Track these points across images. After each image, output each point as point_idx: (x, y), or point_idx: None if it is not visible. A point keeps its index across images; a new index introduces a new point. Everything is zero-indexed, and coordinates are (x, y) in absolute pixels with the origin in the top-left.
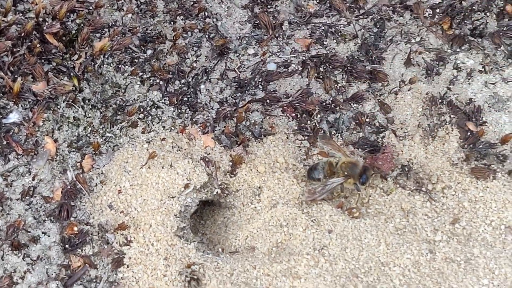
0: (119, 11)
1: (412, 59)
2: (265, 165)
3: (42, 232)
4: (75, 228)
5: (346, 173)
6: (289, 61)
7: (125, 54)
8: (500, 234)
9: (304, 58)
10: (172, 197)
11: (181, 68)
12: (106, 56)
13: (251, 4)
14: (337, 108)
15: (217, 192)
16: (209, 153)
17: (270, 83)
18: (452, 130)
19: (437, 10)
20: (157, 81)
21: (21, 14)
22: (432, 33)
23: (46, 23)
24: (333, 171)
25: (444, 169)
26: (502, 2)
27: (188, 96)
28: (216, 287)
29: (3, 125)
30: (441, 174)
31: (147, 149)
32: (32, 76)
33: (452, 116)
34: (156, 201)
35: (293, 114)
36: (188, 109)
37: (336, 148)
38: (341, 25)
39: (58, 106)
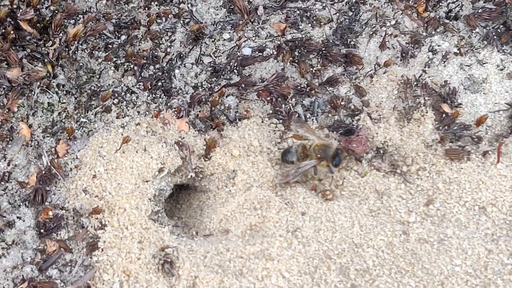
0: None
1: (387, 42)
2: (240, 149)
3: (17, 217)
4: (50, 213)
5: (319, 155)
6: (264, 45)
7: (99, 40)
8: (474, 215)
9: (279, 42)
10: (146, 181)
11: (156, 53)
12: (80, 42)
13: None
14: (312, 91)
15: (191, 176)
16: (183, 137)
17: (245, 68)
18: (427, 112)
19: None
20: (131, 66)
21: None
22: (407, 16)
23: (20, 10)
24: (307, 153)
25: (419, 151)
26: None
27: (163, 81)
28: (190, 269)
29: None
30: (416, 156)
31: (122, 134)
32: (6, 62)
33: (427, 98)
34: (130, 185)
35: (268, 98)
36: (163, 94)
37: (310, 131)
38: (316, 9)
39: (33, 92)
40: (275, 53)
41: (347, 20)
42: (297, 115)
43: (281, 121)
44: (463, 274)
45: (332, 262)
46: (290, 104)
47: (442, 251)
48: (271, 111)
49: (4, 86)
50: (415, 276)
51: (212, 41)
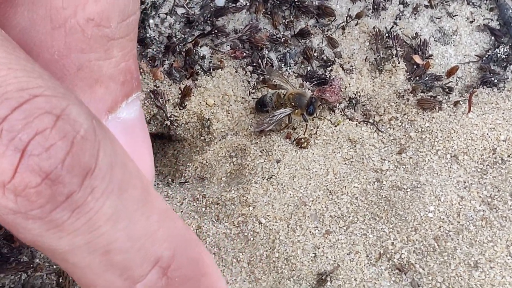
0: None
1: None
2: (214, 98)
3: None
4: None
5: (293, 103)
6: None
7: None
8: (446, 163)
9: None
10: None
11: None
12: None
13: None
14: (286, 43)
15: (166, 124)
16: (159, 86)
17: (219, 19)
18: (399, 63)
19: None
20: None
21: None
22: None
23: None
24: (281, 102)
25: (391, 101)
26: None
27: (137, 30)
28: None
29: None
30: (388, 106)
31: None
32: None
33: (398, 49)
34: None
35: (243, 54)
36: (138, 44)
37: (284, 80)
38: None
39: None
40: (248, 4)
41: None
42: (270, 65)
43: (254, 71)
44: (436, 220)
45: (307, 208)
46: (263, 55)
47: (415, 198)
48: (245, 61)
49: None
50: (389, 222)
51: None
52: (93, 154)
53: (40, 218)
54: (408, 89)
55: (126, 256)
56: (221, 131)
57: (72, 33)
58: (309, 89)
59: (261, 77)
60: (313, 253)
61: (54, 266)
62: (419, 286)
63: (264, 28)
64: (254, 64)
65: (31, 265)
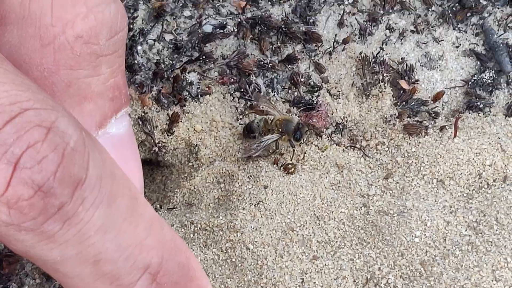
0: None
1: (345, 20)
2: (202, 124)
3: None
4: None
5: (280, 130)
6: (225, 23)
7: None
8: (432, 188)
9: (239, 20)
10: None
11: None
12: None
13: None
14: (273, 68)
15: (154, 151)
16: (147, 113)
17: (207, 45)
18: (385, 88)
19: None
20: None
21: None
22: None
23: None
24: (268, 128)
25: (377, 126)
26: None
27: (126, 57)
28: None
29: None
30: (375, 131)
31: None
32: None
33: (385, 75)
34: None
35: (231, 80)
36: (126, 70)
37: (272, 106)
38: None
39: None
40: (236, 30)
41: None
42: (258, 91)
43: (242, 97)
44: (423, 245)
45: (294, 234)
46: (251, 81)
47: (402, 223)
48: (232, 87)
49: None
50: (375, 247)
51: (174, 19)
52: (83, 165)
53: (32, 230)
54: (395, 114)
55: (115, 265)
56: (209, 157)
57: (61, 50)
58: (296, 115)
59: (249, 103)
60: (301, 279)
61: None
62: None
63: (251, 54)
64: (242, 90)
65: None
